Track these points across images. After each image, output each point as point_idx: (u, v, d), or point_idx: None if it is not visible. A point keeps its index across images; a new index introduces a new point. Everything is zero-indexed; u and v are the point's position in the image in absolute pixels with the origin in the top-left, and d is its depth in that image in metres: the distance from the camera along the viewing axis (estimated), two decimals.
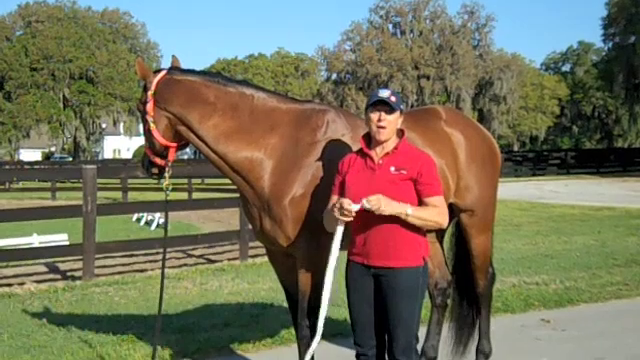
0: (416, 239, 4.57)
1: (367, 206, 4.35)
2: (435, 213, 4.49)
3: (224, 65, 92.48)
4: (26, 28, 74.92)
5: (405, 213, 4.38)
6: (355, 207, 4.39)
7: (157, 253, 13.61)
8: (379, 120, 4.53)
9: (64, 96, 73.95)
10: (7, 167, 37.99)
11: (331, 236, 4.68)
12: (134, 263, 13.60)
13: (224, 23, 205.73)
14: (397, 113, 4.57)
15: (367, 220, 4.50)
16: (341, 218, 4.45)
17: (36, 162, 56.12)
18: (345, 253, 4.79)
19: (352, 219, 4.44)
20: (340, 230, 4.56)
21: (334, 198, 4.66)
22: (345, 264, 4.76)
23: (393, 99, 4.53)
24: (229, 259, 13.64)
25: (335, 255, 4.64)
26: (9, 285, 11.29)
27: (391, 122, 4.54)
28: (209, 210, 19.85)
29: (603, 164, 53.43)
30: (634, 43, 59.78)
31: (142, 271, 12.49)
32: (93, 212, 11.64)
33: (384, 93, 4.56)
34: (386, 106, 4.52)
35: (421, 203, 4.51)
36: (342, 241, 4.64)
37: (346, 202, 4.41)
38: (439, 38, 72.05)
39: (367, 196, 4.37)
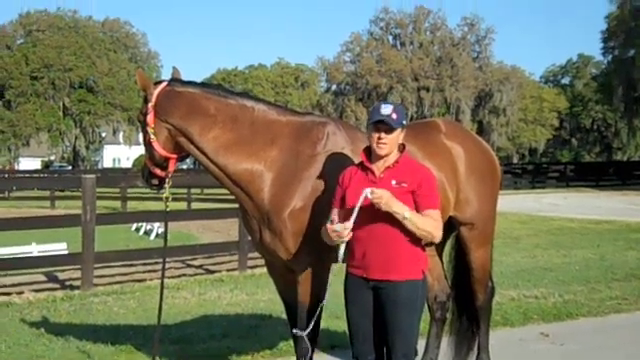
0: (416, 252, 4.57)
1: (369, 196, 4.34)
2: (430, 224, 4.49)
3: (224, 75, 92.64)
4: (27, 37, 74.98)
5: (403, 215, 4.39)
6: (349, 224, 4.39)
7: (156, 263, 13.56)
8: (379, 138, 4.54)
9: (64, 105, 73.96)
10: (5, 176, 37.98)
11: (330, 249, 4.69)
12: (133, 273, 13.58)
13: (224, 33, 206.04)
14: (398, 130, 4.58)
15: (366, 232, 4.50)
16: (338, 241, 4.46)
17: (35, 171, 56.09)
18: (344, 266, 4.79)
19: (349, 238, 4.43)
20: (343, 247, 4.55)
21: (335, 211, 4.67)
22: (344, 276, 4.76)
23: (395, 117, 4.53)
24: (228, 270, 13.62)
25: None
26: (7, 294, 11.26)
27: (392, 139, 4.55)
28: (208, 220, 19.82)
29: (602, 177, 53.32)
30: (633, 56, 59.77)
31: (141, 281, 12.46)
32: (92, 221, 11.63)
33: (386, 110, 4.55)
34: (386, 125, 4.53)
35: None
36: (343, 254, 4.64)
37: (339, 226, 4.43)
38: (439, 50, 72.15)
39: (368, 211, 4.39)
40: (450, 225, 6.06)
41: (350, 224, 4.44)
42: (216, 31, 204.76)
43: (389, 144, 4.55)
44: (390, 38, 74.12)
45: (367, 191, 4.37)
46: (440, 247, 6.53)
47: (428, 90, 69.36)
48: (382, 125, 4.53)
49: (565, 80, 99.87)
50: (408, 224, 4.41)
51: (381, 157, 4.60)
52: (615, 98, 67.54)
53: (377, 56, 71.42)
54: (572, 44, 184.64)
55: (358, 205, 4.42)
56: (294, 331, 4.93)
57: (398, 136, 4.60)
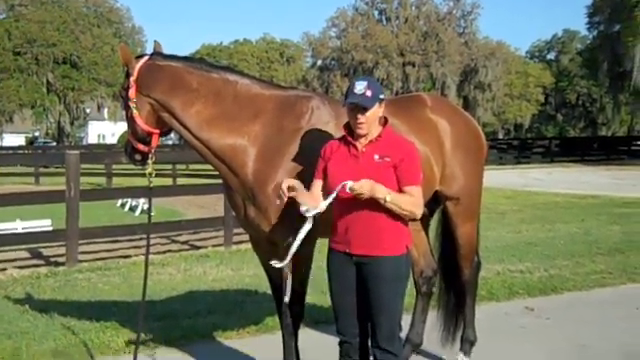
0: (398, 227, 4.54)
1: (349, 192, 4.32)
2: (410, 202, 4.46)
3: (209, 51, 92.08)
4: (9, 11, 74.04)
5: (385, 199, 4.35)
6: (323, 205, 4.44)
7: (141, 239, 13.50)
8: (356, 119, 4.50)
9: (48, 81, 73.22)
10: None
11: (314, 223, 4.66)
12: (118, 249, 13.53)
13: (209, 8, 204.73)
14: (375, 106, 4.52)
15: (349, 208, 4.47)
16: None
17: (19, 147, 55.72)
18: (326, 241, 4.77)
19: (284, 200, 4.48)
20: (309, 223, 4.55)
21: (317, 183, 4.63)
22: (327, 252, 4.74)
23: (369, 94, 4.47)
24: (213, 245, 13.60)
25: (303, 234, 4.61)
26: None
27: (370, 117, 4.50)
28: (193, 196, 19.76)
29: (587, 152, 53.54)
30: (619, 31, 59.74)
31: (126, 257, 12.42)
32: (76, 197, 11.56)
33: (359, 89, 4.48)
34: (361, 105, 4.48)
35: (400, 191, 4.49)
36: (324, 228, 4.61)
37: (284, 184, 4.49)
38: (425, 25, 71.89)
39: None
40: (436, 200, 6.05)
41: (324, 205, 4.46)
42: (201, 6, 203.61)
43: (367, 123, 4.50)
44: (376, 13, 73.80)
45: (347, 185, 4.33)
46: (426, 222, 6.51)
47: (414, 65, 69.18)
48: (357, 106, 4.48)
49: (550, 55, 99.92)
50: (390, 206, 4.39)
51: (362, 135, 4.57)
52: (600, 73, 67.59)
53: (363, 31, 71.13)
54: (557, 19, 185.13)
55: (334, 194, 4.42)
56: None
57: (377, 111, 4.54)
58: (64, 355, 6.80)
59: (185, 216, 18.31)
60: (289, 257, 4.72)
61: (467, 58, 71.12)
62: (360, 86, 4.49)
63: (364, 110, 4.47)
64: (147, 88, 5.24)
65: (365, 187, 4.31)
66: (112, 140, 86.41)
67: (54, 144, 70.79)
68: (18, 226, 14.53)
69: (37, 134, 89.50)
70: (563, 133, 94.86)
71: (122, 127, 76.15)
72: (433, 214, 6.47)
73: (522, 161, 49.58)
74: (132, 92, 5.26)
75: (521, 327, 7.80)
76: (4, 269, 11.32)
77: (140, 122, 5.29)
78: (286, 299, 4.83)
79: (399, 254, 4.55)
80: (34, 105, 73.78)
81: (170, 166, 28.42)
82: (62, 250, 11.94)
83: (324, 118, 5.38)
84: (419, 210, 4.54)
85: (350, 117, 4.55)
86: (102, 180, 30.15)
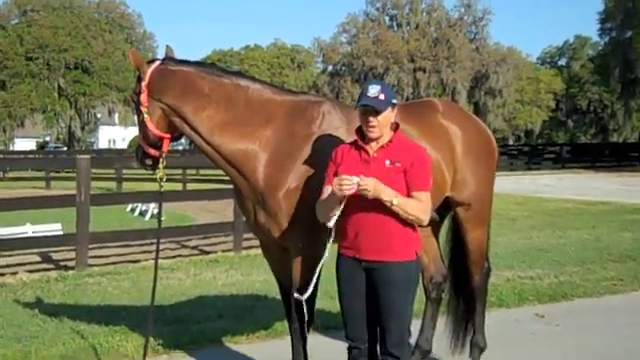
0: (408, 233, 4.53)
1: (359, 185, 4.31)
2: (418, 207, 4.44)
3: (220, 56, 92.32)
4: (21, 17, 74.64)
5: (391, 202, 4.34)
6: (355, 179, 4.31)
7: (151, 244, 13.51)
8: (368, 122, 4.49)
9: (59, 86, 73.72)
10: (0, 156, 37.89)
11: (325, 228, 4.64)
12: (128, 254, 13.53)
13: (220, 14, 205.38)
14: (388, 110, 4.51)
15: (358, 213, 4.47)
16: (342, 191, 4.34)
17: (30, 151, 56.00)
18: (336, 246, 4.76)
19: (353, 191, 4.33)
20: (334, 219, 4.52)
21: (328, 188, 4.61)
22: (336, 257, 4.73)
23: (382, 97, 4.46)
24: (223, 250, 13.59)
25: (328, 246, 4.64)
26: (1, 275, 11.25)
27: (382, 121, 4.48)
28: (203, 201, 19.78)
29: (598, 158, 53.31)
30: (630, 37, 59.63)
31: (136, 262, 12.45)
32: (86, 202, 11.60)
33: (373, 92, 4.47)
34: (374, 108, 4.47)
35: (409, 196, 4.47)
36: (334, 234, 4.61)
37: (345, 175, 4.37)
38: (435, 31, 71.83)
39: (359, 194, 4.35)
40: (447, 205, 6.03)
41: (339, 210, 4.46)
42: (212, 12, 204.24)
43: (379, 126, 4.48)
44: (386, 19, 73.78)
45: (354, 178, 4.33)
46: (436, 228, 6.50)
47: (424, 71, 69.13)
48: (370, 108, 4.48)
49: (562, 61, 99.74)
50: (396, 209, 4.37)
51: (373, 139, 4.56)
52: (612, 79, 67.47)
53: (373, 37, 71.14)
54: (569, 25, 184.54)
55: (341, 207, 4.43)
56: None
57: (389, 115, 4.53)
58: (73, 359, 6.81)
59: (195, 221, 18.30)
60: (311, 289, 4.78)
61: (478, 64, 70.99)
62: (373, 89, 4.49)
63: (376, 113, 4.45)
64: (159, 93, 5.25)
65: (369, 185, 4.30)
66: (123, 145, 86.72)
67: (65, 149, 71.06)
68: (28, 230, 14.57)
69: (48, 139, 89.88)
70: (574, 139, 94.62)
71: (133, 132, 76.56)
72: (444, 220, 6.45)
73: (533, 167, 49.42)
74: (144, 97, 5.27)
75: (531, 334, 7.76)
76: (14, 273, 11.36)
77: (151, 127, 5.30)
78: (305, 296, 4.82)
79: (409, 260, 4.54)
80: (45, 110, 74.32)
81: (180, 171, 28.42)
82: (72, 254, 11.98)
83: (335, 123, 5.37)
84: (426, 216, 4.52)
85: (362, 120, 4.54)
86: (112, 185, 30.21)
